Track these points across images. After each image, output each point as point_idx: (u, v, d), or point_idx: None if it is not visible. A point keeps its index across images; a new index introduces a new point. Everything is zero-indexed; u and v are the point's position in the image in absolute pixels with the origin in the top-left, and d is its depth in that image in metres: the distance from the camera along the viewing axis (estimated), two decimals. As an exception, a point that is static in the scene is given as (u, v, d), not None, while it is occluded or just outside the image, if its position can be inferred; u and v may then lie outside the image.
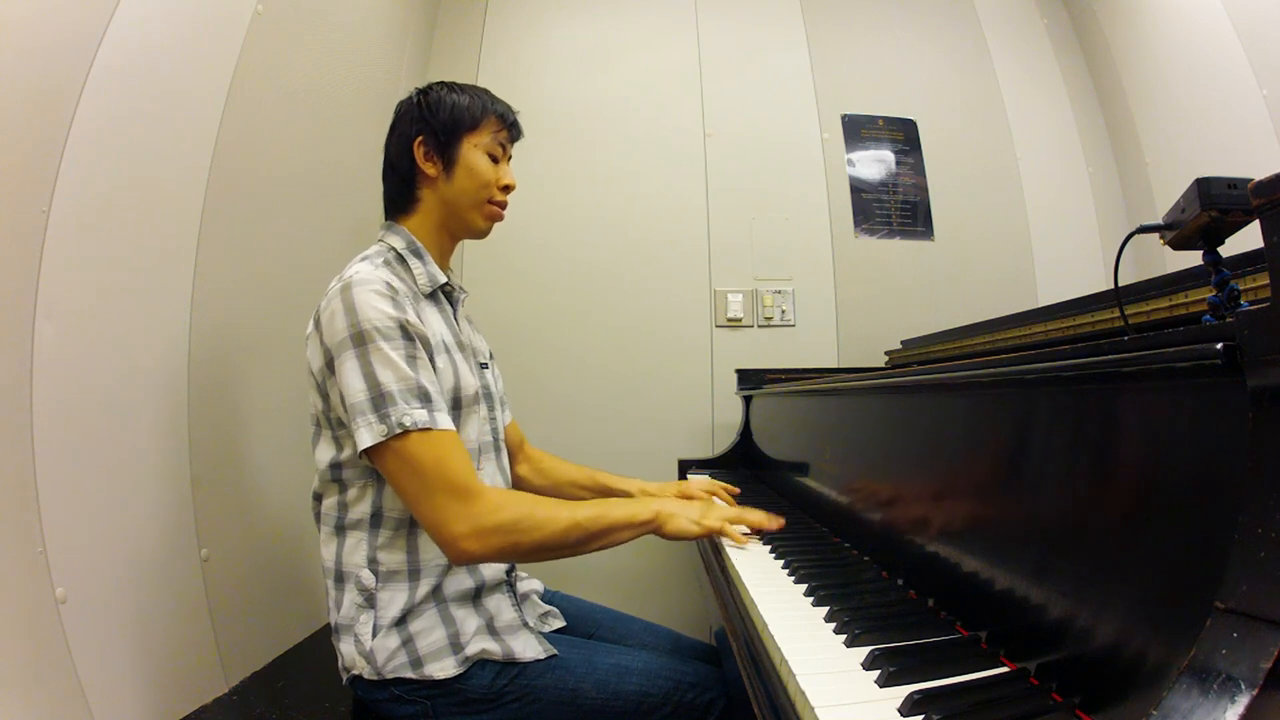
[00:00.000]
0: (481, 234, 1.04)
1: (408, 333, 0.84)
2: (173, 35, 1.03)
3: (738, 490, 1.27)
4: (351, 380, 0.82)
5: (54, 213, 0.83)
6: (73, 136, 0.85)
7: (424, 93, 1.00)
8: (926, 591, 0.74)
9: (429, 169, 0.98)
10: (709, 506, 1.00)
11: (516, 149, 1.06)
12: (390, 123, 1.02)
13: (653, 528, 0.92)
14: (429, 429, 0.81)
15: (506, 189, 1.02)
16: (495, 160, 1.01)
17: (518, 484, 1.23)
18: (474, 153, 0.98)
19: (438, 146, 0.97)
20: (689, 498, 1.13)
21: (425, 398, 0.82)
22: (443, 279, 0.98)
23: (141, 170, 0.99)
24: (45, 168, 0.82)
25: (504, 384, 1.17)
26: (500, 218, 1.04)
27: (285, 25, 1.31)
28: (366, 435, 0.80)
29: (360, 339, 0.82)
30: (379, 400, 0.80)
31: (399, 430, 0.79)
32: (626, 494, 1.19)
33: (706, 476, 1.64)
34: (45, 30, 0.81)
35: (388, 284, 0.85)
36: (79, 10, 0.86)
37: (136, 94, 0.96)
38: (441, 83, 1.01)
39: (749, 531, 1.01)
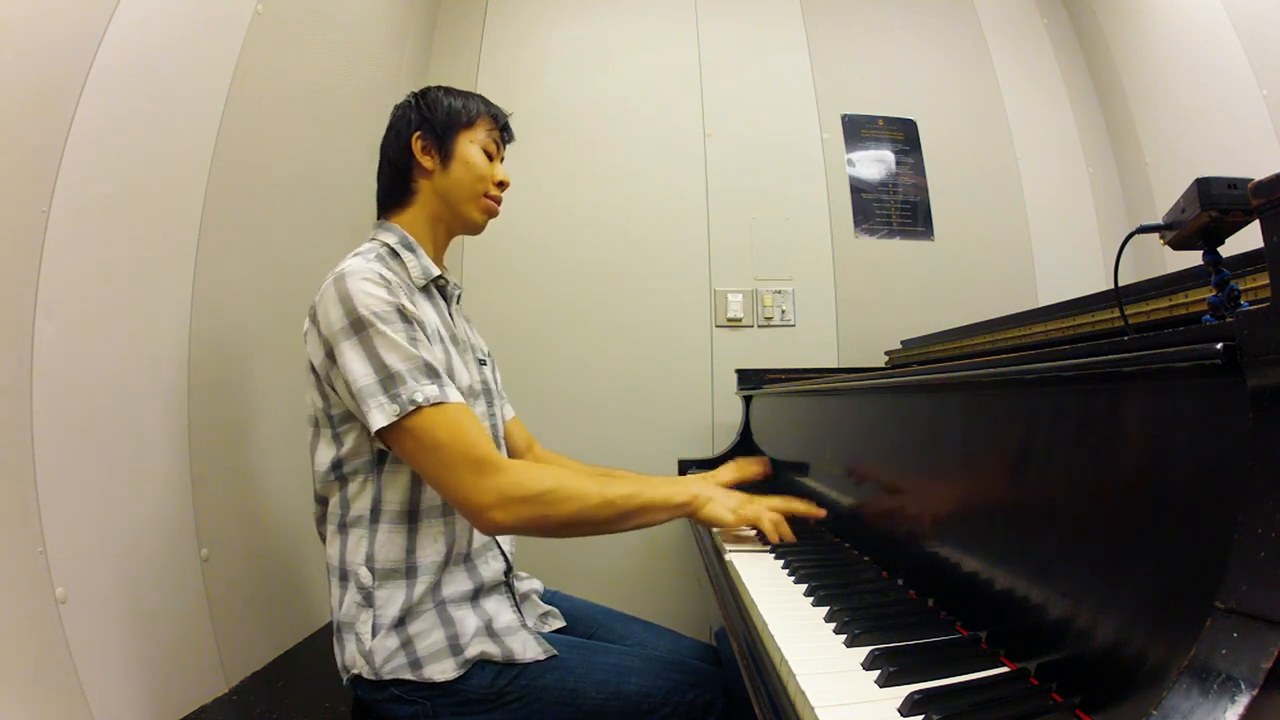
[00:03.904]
0: (477, 228, 1.06)
1: (405, 316, 0.85)
2: (173, 35, 1.03)
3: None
4: (355, 366, 0.82)
5: (54, 213, 0.83)
6: (73, 136, 0.85)
7: (421, 94, 1.03)
8: (926, 591, 0.74)
9: (426, 162, 1.00)
10: (748, 499, 0.98)
11: (518, 149, 1.08)
12: (387, 124, 1.04)
13: (688, 510, 0.93)
14: (441, 403, 0.81)
15: (501, 185, 1.05)
16: (490, 158, 1.04)
17: None
18: (470, 147, 1.01)
19: (435, 140, 1.00)
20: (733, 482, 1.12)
21: (433, 374, 0.83)
22: (436, 272, 0.99)
23: (141, 170, 0.99)
24: (45, 168, 0.82)
25: (503, 382, 1.18)
26: (495, 212, 1.06)
27: (285, 25, 1.31)
28: (379, 416, 0.80)
29: (360, 325, 0.83)
30: (388, 381, 0.81)
31: (411, 407, 0.80)
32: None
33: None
34: (45, 30, 0.81)
35: (380, 274, 0.86)
36: (79, 10, 0.86)
37: (136, 94, 0.96)
38: (438, 86, 1.05)
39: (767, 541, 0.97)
